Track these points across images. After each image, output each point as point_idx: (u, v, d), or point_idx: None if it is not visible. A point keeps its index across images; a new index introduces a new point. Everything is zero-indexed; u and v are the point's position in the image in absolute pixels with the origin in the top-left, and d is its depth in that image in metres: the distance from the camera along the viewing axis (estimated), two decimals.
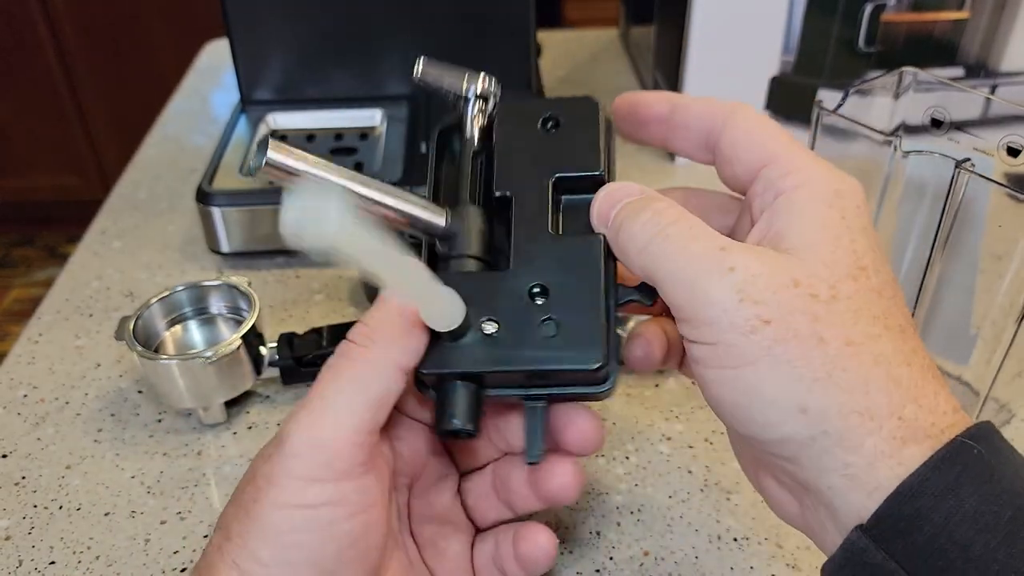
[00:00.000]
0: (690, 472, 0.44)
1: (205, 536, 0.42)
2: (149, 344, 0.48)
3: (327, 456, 0.28)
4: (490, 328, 0.30)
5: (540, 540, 0.33)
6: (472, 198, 0.34)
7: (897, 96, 0.44)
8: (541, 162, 0.33)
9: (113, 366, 0.52)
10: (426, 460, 0.35)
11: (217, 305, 0.51)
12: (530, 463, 0.31)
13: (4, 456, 0.47)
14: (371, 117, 0.68)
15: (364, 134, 0.67)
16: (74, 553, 0.41)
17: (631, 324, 0.45)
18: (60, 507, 0.43)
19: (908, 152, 0.39)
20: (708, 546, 0.40)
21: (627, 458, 0.45)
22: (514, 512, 0.35)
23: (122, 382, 0.51)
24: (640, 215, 0.29)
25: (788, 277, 0.26)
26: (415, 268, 0.28)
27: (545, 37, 0.93)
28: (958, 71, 0.67)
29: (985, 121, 0.42)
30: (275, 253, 0.61)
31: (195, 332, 0.51)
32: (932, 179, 0.39)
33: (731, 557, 0.40)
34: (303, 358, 0.48)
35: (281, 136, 0.67)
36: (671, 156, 0.72)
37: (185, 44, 0.98)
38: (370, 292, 0.55)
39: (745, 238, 0.29)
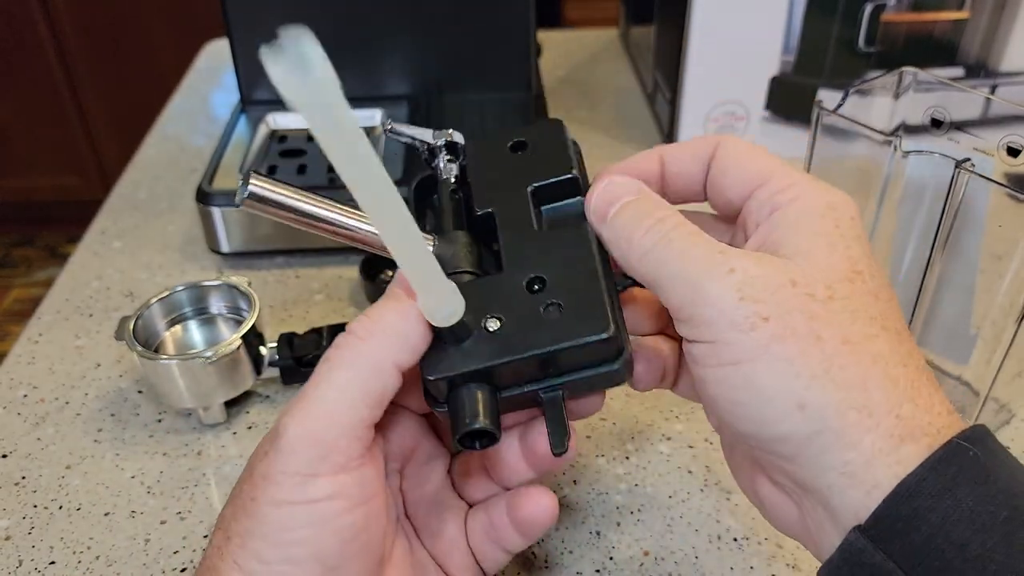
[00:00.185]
0: (690, 472, 0.44)
1: (205, 536, 0.42)
2: (149, 344, 0.48)
3: (324, 451, 0.28)
4: (494, 325, 0.29)
5: (538, 499, 0.33)
6: (456, 227, 0.34)
7: (897, 96, 0.44)
8: (515, 178, 0.34)
9: (113, 366, 0.52)
10: (415, 444, 0.35)
11: (217, 305, 0.51)
12: (557, 454, 0.30)
13: (4, 456, 0.47)
14: (371, 117, 0.68)
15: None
16: (74, 553, 0.41)
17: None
18: (60, 507, 0.43)
19: (908, 152, 0.39)
20: (708, 546, 0.40)
21: (627, 458, 0.45)
22: (506, 486, 0.34)
23: (122, 382, 0.51)
24: (643, 221, 0.29)
25: (786, 278, 0.26)
26: (416, 235, 0.27)
27: (545, 37, 0.93)
28: (958, 71, 0.67)
29: (985, 121, 0.42)
30: (275, 253, 0.61)
31: (195, 332, 0.51)
32: (932, 179, 0.39)
33: (731, 557, 0.40)
34: (303, 358, 0.48)
35: (281, 137, 0.67)
36: None
37: (185, 44, 0.98)
38: (370, 292, 0.55)
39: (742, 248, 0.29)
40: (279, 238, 0.60)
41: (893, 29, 0.65)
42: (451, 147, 0.37)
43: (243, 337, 0.45)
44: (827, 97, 0.42)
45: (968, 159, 0.37)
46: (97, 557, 0.41)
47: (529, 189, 0.33)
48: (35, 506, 0.44)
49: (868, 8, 0.64)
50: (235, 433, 0.47)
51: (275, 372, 0.48)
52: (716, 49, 0.66)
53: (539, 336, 0.29)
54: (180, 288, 0.49)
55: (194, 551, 0.41)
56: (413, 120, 0.67)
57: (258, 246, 0.60)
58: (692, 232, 0.28)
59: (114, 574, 0.40)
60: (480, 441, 0.30)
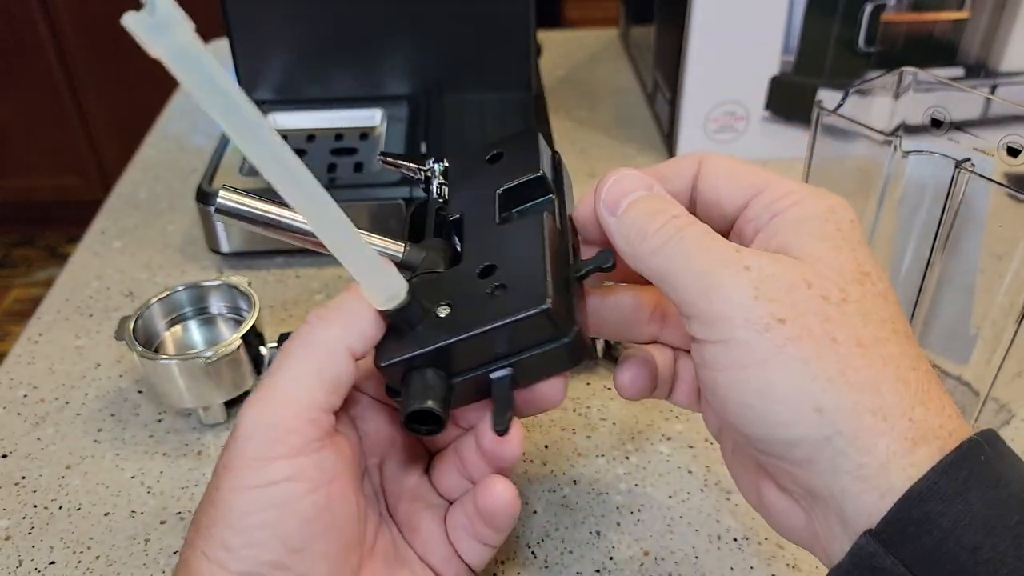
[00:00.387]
0: (690, 472, 0.44)
1: None
2: (149, 344, 0.48)
3: (280, 433, 0.28)
4: (444, 311, 0.31)
5: (496, 489, 0.33)
6: (436, 236, 0.36)
7: (897, 96, 0.44)
8: (488, 185, 0.35)
9: (113, 366, 0.52)
10: (392, 438, 0.35)
11: (217, 305, 0.51)
12: (498, 432, 0.30)
13: (4, 456, 0.47)
14: (371, 117, 0.68)
15: (364, 134, 0.67)
16: (74, 553, 0.41)
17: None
18: (60, 507, 0.43)
19: (908, 152, 0.39)
20: (708, 546, 0.40)
21: (627, 458, 0.45)
22: (472, 482, 0.35)
23: (122, 382, 0.51)
24: (656, 217, 0.29)
25: (800, 278, 0.26)
26: (342, 220, 0.27)
27: (545, 37, 0.93)
28: (958, 71, 0.67)
29: (985, 121, 0.42)
30: (275, 253, 0.61)
31: (195, 332, 0.51)
32: (932, 179, 0.39)
33: (731, 557, 0.40)
34: None
35: (281, 136, 0.67)
36: (671, 157, 0.72)
37: None
38: None
39: None
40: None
41: (893, 29, 0.65)
42: (445, 172, 0.38)
43: (243, 337, 0.45)
44: (827, 97, 0.42)
45: (968, 159, 0.37)
46: (97, 557, 0.41)
47: (498, 191, 0.35)
48: (35, 506, 0.44)
49: (868, 8, 0.64)
50: None
51: None
52: (716, 49, 0.66)
53: (483, 316, 0.30)
54: (180, 288, 0.49)
55: None
56: (413, 120, 0.67)
57: (258, 246, 0.60)
58: (706, 230, 0.28)
59: (114, 574, 0.40)
60: (426, 425, 0.30)
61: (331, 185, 0.60)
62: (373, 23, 0.67)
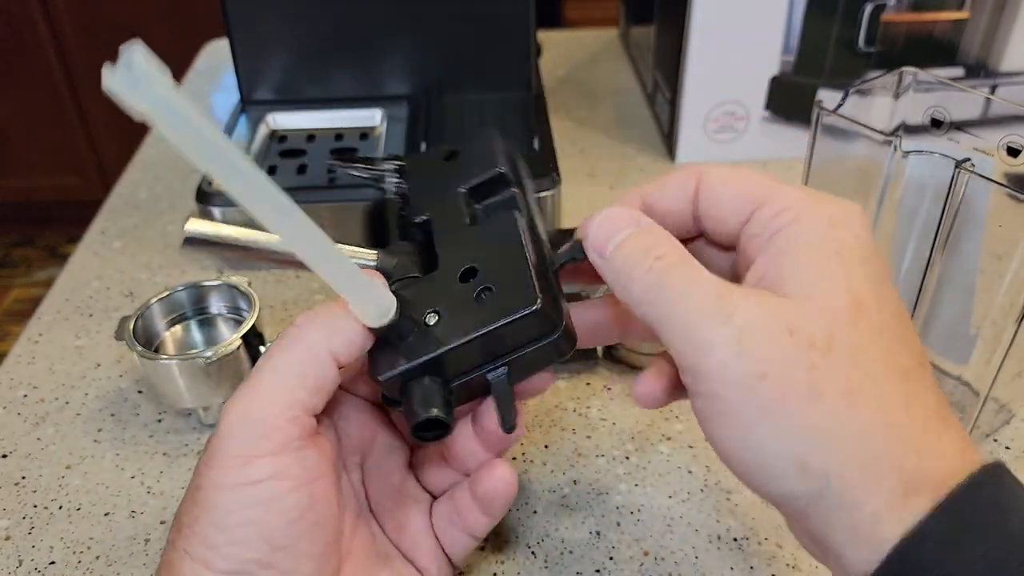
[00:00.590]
0: (690, 472, 0.44)
1: None
2: (149, 344, 0.48)
3: (262, 431, 0.28)
4: (432, 319, 0.31)
5: (498, 472, 0.33)
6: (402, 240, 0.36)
7: (897, 96, 0.44)
8: (449, 184, 0.35)
9: (113, 366, 0.52)
10: (373, 435, 0.35)
11: (217, 305, 0.51)
12: (507, 431, 0.31)
13: (4, 456, 0.47)
14: (371, 117, 0.68)
15: (364, 134, 0.67)
16: (74, 553, 0.41)
17: (600, 292, 0.45)
18: (60, 507, 0.43)
19: (908, 152, 0.39)
20: (708, 546, 0.40)
21: (627, 458, 0.45)
22: (466, 472, 0.35)
23: (122, 382, 0.51)
24: (642, 260, 0.28)
25: (784, 325, 0.25)
26: (323, 240, 0.26)
27: (545, 37, 0.93)
28: (958, 71, 0.67)
29: (985, 121, 0.42)
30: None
31: (195, 332, 0.51)
32: (932, 179, 0.39)
33: (731, 557, 0.40)
34: None
35: (281, 137, 0.67)
36: (671, 157, 0.72)
37: (185, 44, 0.98)
38: None
39: (743, 278, 0.29)
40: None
41: (893, 29, 0.65)
42: (401, 171, 0.38)
43: (243, 337, 0.45)
44: (827, 97, 0.42)
45: (968, 159, 0.37)
46: (97, 557, 0.41)
47: (462, 190, 0.35)
48: (35, 506, 0.44)
49: (868, 8, 0.64)
50: None
51: None
52: (716, 49, 0.66)
53: (474, 321, 0.30)
54: (180, 288, 0.49)
55: None
56: (413, 120, 0.67)
57: None
58: (692, 271, 0.27)
59: (114, 574, 0.40)
60: (434, 432, 0.30)
61: (330, 185, 0.60)
62: (373, 23, 0.67)
